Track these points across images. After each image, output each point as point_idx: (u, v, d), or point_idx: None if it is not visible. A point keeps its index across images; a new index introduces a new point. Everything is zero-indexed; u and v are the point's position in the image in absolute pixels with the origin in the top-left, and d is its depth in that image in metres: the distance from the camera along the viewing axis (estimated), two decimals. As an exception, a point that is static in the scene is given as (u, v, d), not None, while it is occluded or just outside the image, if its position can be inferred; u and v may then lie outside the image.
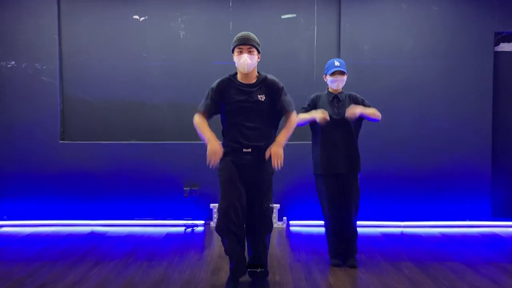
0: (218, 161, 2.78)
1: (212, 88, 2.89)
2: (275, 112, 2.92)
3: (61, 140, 4.66)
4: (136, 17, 4.69)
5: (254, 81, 2.88)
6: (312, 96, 3.45)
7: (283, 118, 2.95)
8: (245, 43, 2.80)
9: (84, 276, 3.10)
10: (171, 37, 4.71)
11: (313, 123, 3.35)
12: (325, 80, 3.42)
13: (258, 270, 2.88)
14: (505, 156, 4.75)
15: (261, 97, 2.84)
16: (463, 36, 4.63)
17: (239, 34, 2.86)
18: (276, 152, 2.79)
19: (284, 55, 4.73)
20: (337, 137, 3.31)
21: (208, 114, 2.90)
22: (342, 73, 3.30)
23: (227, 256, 2.89)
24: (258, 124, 2.85)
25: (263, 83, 2.88)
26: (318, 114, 3.19)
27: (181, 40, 4.70)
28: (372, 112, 3.30)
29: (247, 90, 2.85)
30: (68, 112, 4.71)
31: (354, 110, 3.18)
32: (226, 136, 2.92)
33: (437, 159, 4.64)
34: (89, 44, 4.69)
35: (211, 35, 4.73)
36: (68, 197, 4.62)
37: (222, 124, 2.97)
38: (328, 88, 3.43)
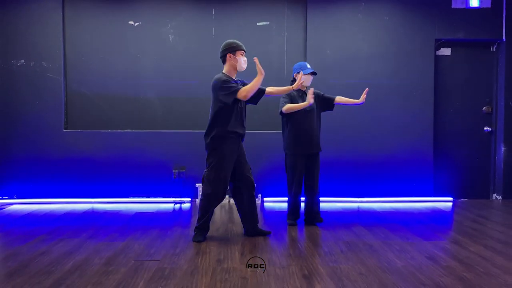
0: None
1: (229, 81, 3.59)
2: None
3: (65, 129, 5.35)
4: (131, 22, 5.41)
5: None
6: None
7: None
8: (244, 50, 3.69)
9: (94, 234, 3.83)
10: (162, 40, 5.45)
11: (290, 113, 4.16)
12: (296, 77, 4.19)
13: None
14: (445, 143, 5.65)
15: None
16: (409, 41, 5.50)
17: (238, 41, 3.69)
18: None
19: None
20: (306, 124, 4.16)
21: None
22: (313, 73, 4.16)
23: (201, 215, 3.64)
24: (244, 114, 3.73)
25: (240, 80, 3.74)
26: (309, 100, 3.98)
27: (170, 43, 5.44)
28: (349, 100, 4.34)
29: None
30: (71, 105, 5.40)
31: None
32: (228, 126, 3.56)
33: (388, 145, 5.50)
34: (90, 45, 5.39)
35: (196, 39, 5.49)
36: (70, 178, 5.31)
37: (220, 117, 3.56)
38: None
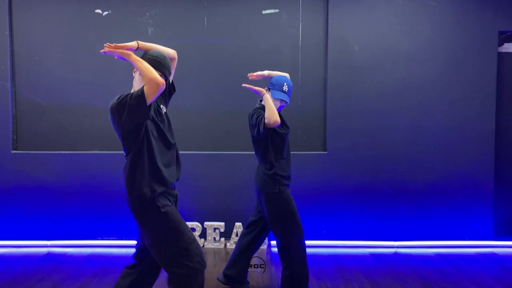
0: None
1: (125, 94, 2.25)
2: None
3: (14, 149, 4.14)
4: (99, 11, 4.16)
5: None
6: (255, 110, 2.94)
7: None
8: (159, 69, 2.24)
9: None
10: (138, 34, 4.19)
11: (270, 133, 2.85)
12: (266, 93, 2.90)
13: None
14: (509, 168, 4.32)
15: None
16: (463, 35, 4.17)
17: (157, 53, 2.29)
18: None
19: (265, 54, 4.24)
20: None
21: None
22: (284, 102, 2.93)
23: None
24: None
25: None
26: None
27: (149, 37, 4.18)
28: None
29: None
30: (22, 118, 4.18)
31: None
32: (161, 175, 2.23)
33: (434, 171, 4.19)
34: (45, 41, 4.15)
35: (183, 32, 4.21)
36: (21, 214, 4.11)
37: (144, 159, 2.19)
38: (260, 104, 2.98)
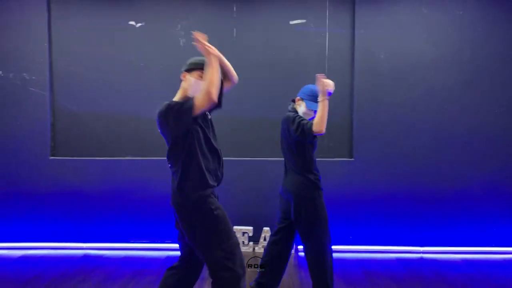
0: None
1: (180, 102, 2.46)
2: None
3: (52, 156, 4.33)
4: (132, 23, 4.32)
5: None
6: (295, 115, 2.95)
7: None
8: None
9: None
10: (171, 45, 4.34)
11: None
12: (298, 103, 2.99)
13: None
14: (535, 175, 4.34)
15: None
16: (490, 43, 4.21)
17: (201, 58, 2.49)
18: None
19: (292, 63, 4.35)
20: None
21: None
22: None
23: None
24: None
25: None
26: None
27: (181, 48, 4.32)
28: None
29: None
30: (59, 125, 4.37)
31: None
32: (208, 178, 2.38)
33: (460, 177, 4.24)
34: (81, 52, 4.33)
35: (213, 43, 4.33)
36: (59, 217, 4.29)
37: (194, 159, 2.35)
38: (294, 109, 3.02)
